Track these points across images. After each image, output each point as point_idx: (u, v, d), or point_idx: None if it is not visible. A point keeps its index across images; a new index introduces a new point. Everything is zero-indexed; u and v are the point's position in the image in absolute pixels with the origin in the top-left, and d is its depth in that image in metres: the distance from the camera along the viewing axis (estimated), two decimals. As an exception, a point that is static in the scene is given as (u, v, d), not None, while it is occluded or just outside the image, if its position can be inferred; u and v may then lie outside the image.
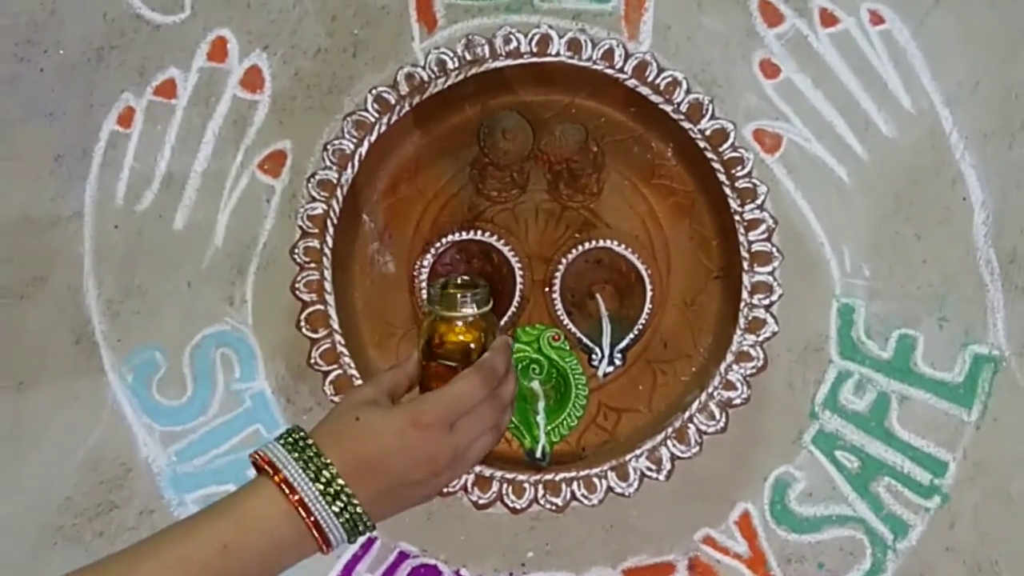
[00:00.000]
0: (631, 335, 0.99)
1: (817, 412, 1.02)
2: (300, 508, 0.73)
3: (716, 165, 0.97)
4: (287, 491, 0.73)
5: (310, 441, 0.75)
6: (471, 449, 0.80)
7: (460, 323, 0.83)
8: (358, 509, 0.74)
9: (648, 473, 0.95)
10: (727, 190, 0.97)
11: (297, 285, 0.97)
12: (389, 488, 0.76)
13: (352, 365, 0.97)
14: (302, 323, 0.97)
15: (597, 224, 1.02)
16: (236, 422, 1.04)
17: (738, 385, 0.96)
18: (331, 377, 0.97)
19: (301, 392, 1.03)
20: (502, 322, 0.98)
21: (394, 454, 0.76)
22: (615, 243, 0.99)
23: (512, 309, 0.99)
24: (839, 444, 1.02)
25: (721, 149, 0.97)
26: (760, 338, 0.96)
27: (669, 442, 0.95)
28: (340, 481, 0.74)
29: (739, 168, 0.97)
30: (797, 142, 1.03)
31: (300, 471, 0.73)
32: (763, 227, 0.97)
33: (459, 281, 0.86)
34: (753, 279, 0.96)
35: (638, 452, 0.95)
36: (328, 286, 0.97)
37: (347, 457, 0.75)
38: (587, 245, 0.99)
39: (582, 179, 0.99)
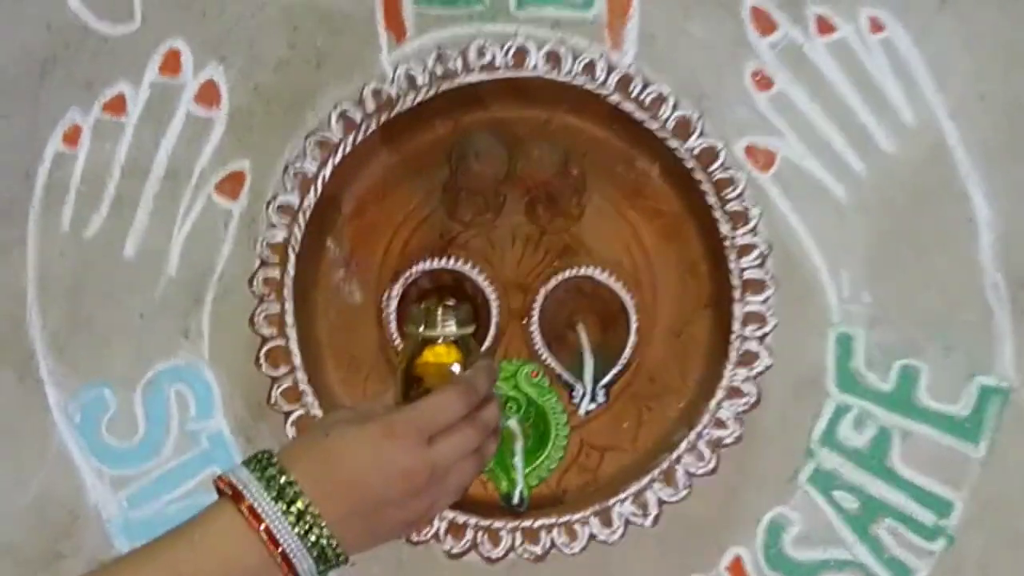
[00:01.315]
0: (615, 369, 1.00)
1: (814, 449, 1.02)
2: (263, 532, 0.72)
3: (705, 187, 0.99)
4: (247, 512, 0.73)
5: (274, 459, 0.75)
6: (451, 472, 0.80)
7: (441, 343, 0.85)
8: (325, 531, 0.73)
9: (633, 519, 0.96)
10: (717, 214, 0.98)
11: (256, 318, 0.98)
12: (363, 508, 0.76)
13: (316, 404, 0.98)
14: (261, 360, 0.98)
15: (578, 250, 1.03)
16: (192, 464, 1.04)
17: (729, 423, 0.97)
18: (293, 418, 0.98)
19: (262, 431, 1.04)
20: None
21: (366, 468, 0.76)
22: (597, 270, 1.00)
23: (487, 342, 1.00)
24: (837, 483, 1.02)
25: (710, 170, 0.99)
26: (753, 372, 0.97)
27: (656, 485, 0.96)
28: (304, 500, 0.73)
29: (730, 190, 0.99)
30: (791, 159, 1.04)
31: (261, 490, 0.73)
32: (756, 253, 0.98)
33: (443, 303, 0.87)
34: (745, 309, 0.98)
35: (622, 496, 0.96)
36: (289, 319, 0.98)
37: (314, 474, 0.75)
38: (567, 273, 1.00)
39: (561, 202, 1.01)
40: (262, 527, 0.72)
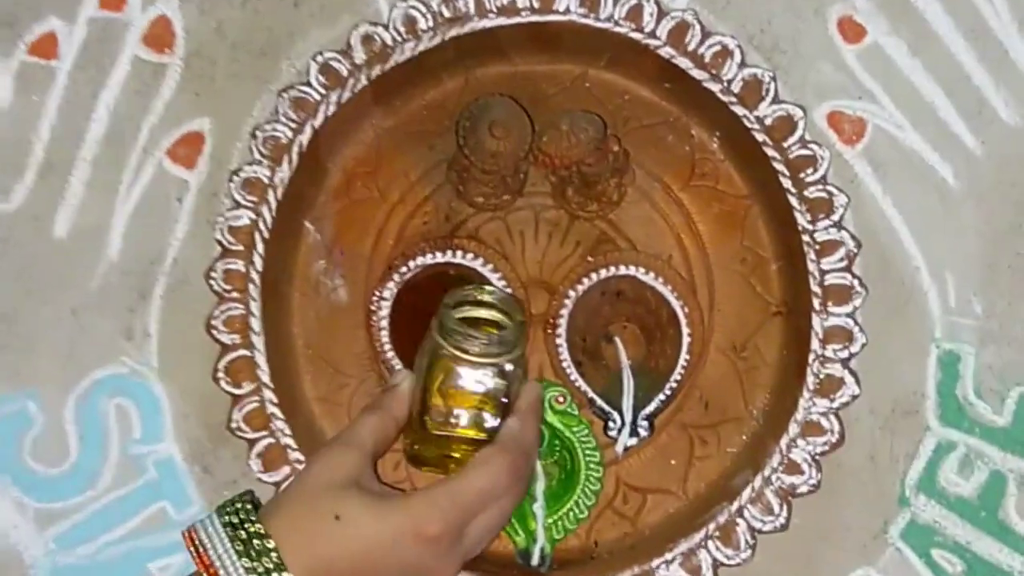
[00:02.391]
0: (662, 394, 0.91)
1: (908, 497, 0.93)
2: None
3: (779, 166, 0.91)
4: None
5: (270, 544, 0.72)
6: (474, 549, 0.79)
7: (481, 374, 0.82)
8: None
9: None
10: (793, 201, 0.91)
11: (214, 322, 0.91)
12: None
13: (287, 431, 0.90)
14: (220, 374, 0.90)
15: (618, 242, 0.95)
16: (135, 498, 0.95)
17: (805, 467, 0.89)
18: (258, 447, 0.90)
19: (222, 459, 0.95)
20: None
21: (390, 571, 0.74)
22: (641, 269, 0.92)
23: None
24: (938, 540, 0.93)
25: (786, 144, 0.91)
26: (835, 403, 0.89)
27: (711, 543, 0.88)
28: None
29: (809, 170, 0.91)
30: (887, 130, 0.96)
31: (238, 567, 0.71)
32: (841, 252, 0.91)
33: (483, 298, 0.84)
34: (826, 323, 0.90)
35: (668, 556, 0.88)
36: (256, 323, 0.91)
37: (320, 568, 0.73)
38: (604, 272, 0.92)
39: (597, 183, 0.92)
40: None
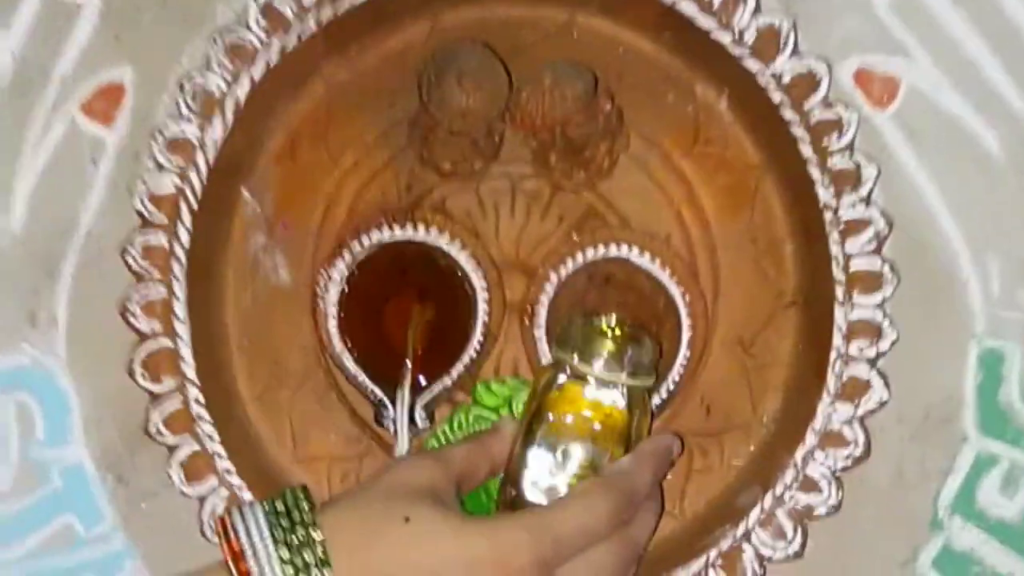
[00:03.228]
0: (656, 397, 0.86)
1: (942, 519, 0.89)
2: None
3: (797, 131, 0.86)
4: None
5: (317, 535, 0.67)
6: None
7: (604, 391, 0.76)
8: None
9: None
10: (814, 172, 0.85)
11: (130, 306, 0.86)
12: None
13: (215, 436, 0.86)
14: (136, 368, 0.86)
15: (607, 217, 0.91)
16: (37, 510, 0.91)
17: (823, 485, 0.85)
18: (180, 455, 0.85)
19: (141, 468, 0.89)
20: (455, 370, 0.86)
21: None
22: (634, 249, 0.87)
23: (471, 352, 0.88)
24: (975, 571, 0.89)
25: (806, 105, 0.86)
26: (860, 409, 0.85)
27: (712, 571, 0.85)
28: None
29: (834, 137, 0.86)
30: (922, 91, 0.91)
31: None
32: (869, 232, 0.86)
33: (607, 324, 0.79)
34: (851, 315, 0.85)
35: None
36: (180, 309, 0.86)
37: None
38: (591, 253, 0.88)
39: (585, 148, 0.88)
40: None
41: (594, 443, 0.76)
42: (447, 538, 0.68)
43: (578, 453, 0.75)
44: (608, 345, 0.76)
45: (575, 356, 0.76)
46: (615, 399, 0.76)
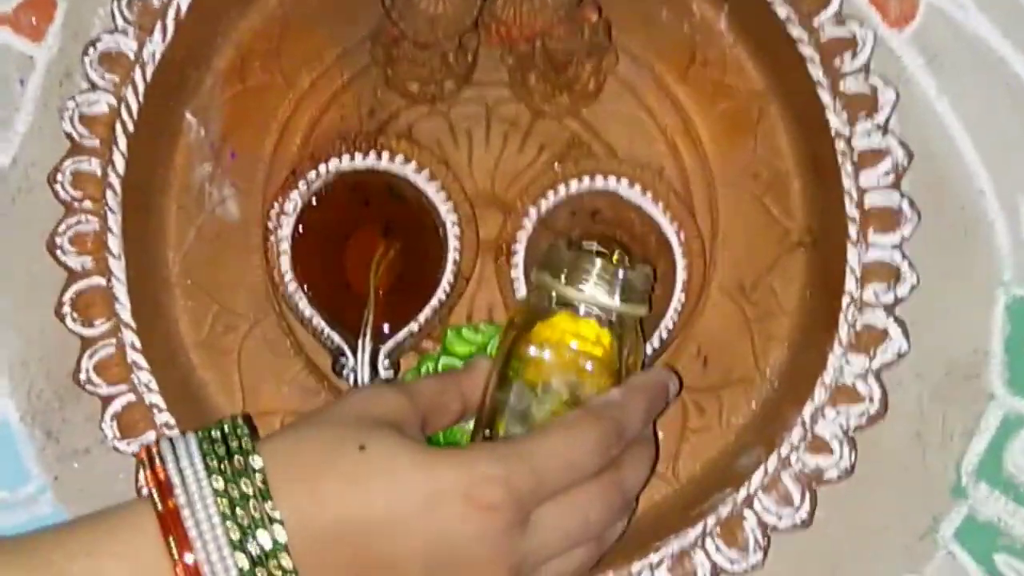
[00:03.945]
0: (648, 346, 0.82)
1: (966, 486, 0.87)
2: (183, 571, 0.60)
3: (806, 50, 0.82)
4: (175, 548, 0.60)
5: (256, 462, 0.62)
6: (542, 572, 0.67)
7: (584, 316, 0.73)
8: None
9: None
10: (824, 96, 0.82)
11: (58, 239, 0.82)
12: None
13: (152, 385, 0.80)
14: (65, 309, 0.81)
15: (593, 146, 0.88)
16: None
17: (834, 445, 0.80)
18: (114, 407, 0.80)
19: (72, 422, 0.85)
20: (423, 315, 0.82)
21: (413, 540, 0.63)
22: (623, 182, 0.84)
23: (440, 294, 0.84)
24: (1003, 542, 0.87)
25: (816, 21, 0.82)
26: (876, 362, 0.80)
27: (710, 542, 0.80)
28: (285, 562, 0.61)
29: (848, 57, 0.82)
30: (944, 9, 0.88)
31: (216, 519, 0.61)
32: (887, 163, 0.81)
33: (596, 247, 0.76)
34: (866, 257, 0.81)
35: (654, 559, 0.80)
36: (115, 243, 0.81)
37: (318, 519, 0.62)
38: (575, 185, 0.84)
39: (568, 67, 0.84)
40: (187, 560, 0.60)
41: (579, 380, 0.71)
42: (406, 468, 0.63)
43: (561, 392, 0.71)
44: (598, 266, 0.72)
45: (560, 279, 0.72)
46: (605, 328, 0.72)
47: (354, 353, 0.80)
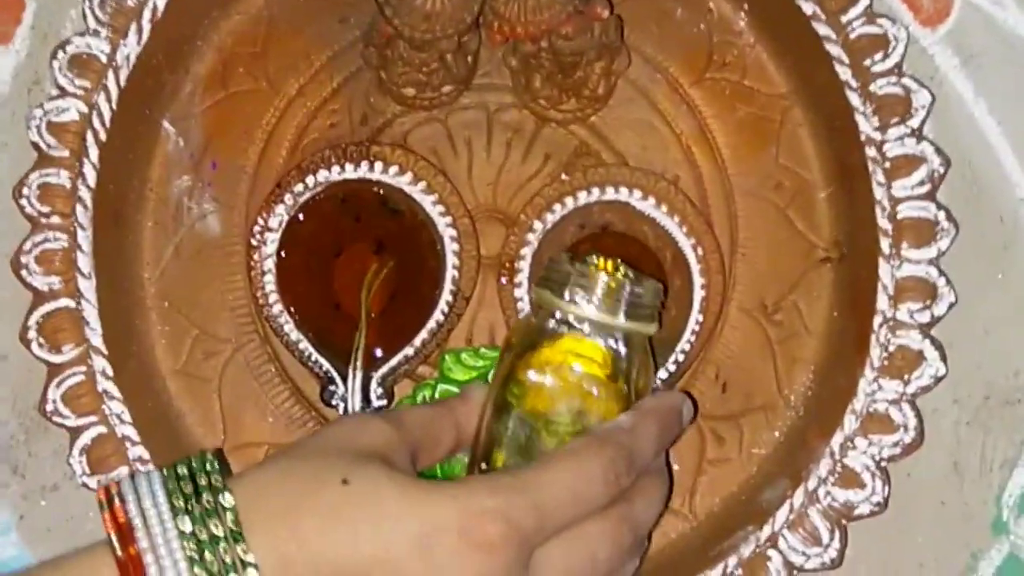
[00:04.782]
0: (662, 371, 0.80)
1: (1007, 521, 0.84)
2: None
3: (833, 49, 0.80)
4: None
5: (226, 501, 0.59)
6: None
7: (588, 338, 0.69)
8: None
9: None
10: (854, 98, 0.79)
11: (23, 259, 0.79)
12: None
13: (126, 416, 0.77)
14: (32, 333, 0.78)
15: (603, 155, 0.85)
16: None
17: (866, 478, 0.77)
18: (84, 439, 0.77)
19: (38, 457, 0.83)
20: (419, 338, 0.79)
21: None
22: (635, 193, 0.81)
23: (438, 316, 0.81)
24: None
25: (845, 18, 0.80)
26: (911, 387, 0.77)
27: None
28: None
29: (879, 57, 0.79)
30: (981, 7, 0.86)
31: (182, 565, 0.57)
32: (922, 172, 0.79)
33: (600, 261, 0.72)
34: (899, 272, 0.78)
35: None
36: (85, 262, 0.79)
37: (298, 561, 0.58)
38: (583, 196, 0.82)
39: (577, 70, 0.82)
40: None
41: (585, 406, 0.67)
42: (395, 502, 0.59)
43: (565, 420, 0.67)
44: (602, 281, 0.68)
45: (562, 296, 0.69)
46: (611, 348, 0.68)
47: (344, 380, 0.78)
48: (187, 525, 0.57)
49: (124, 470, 0.76)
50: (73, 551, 0.60)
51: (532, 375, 0.68)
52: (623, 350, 0.68)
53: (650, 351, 0.72)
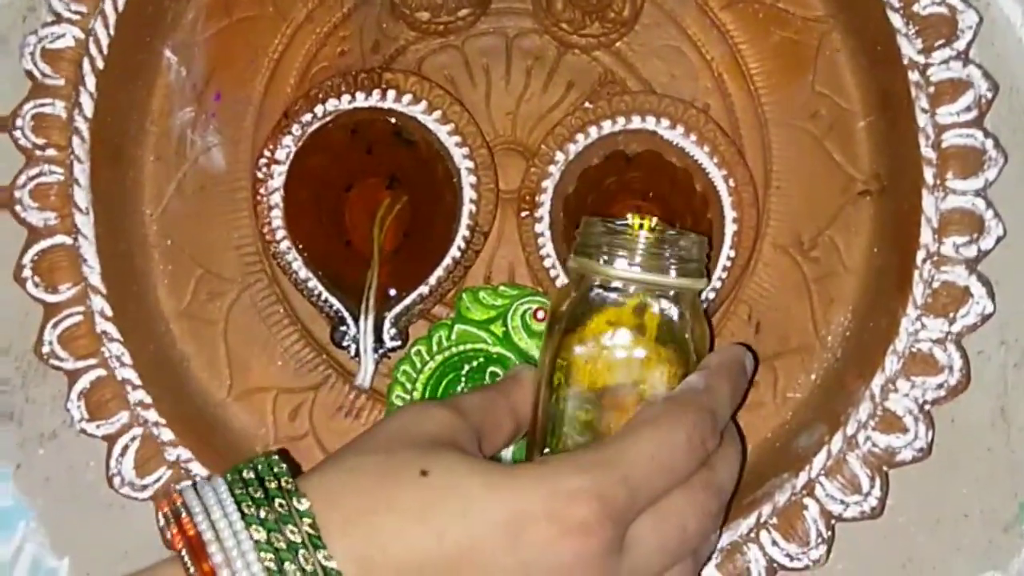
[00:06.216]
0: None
1: None
2: None
3: None
4: None
5: (301, 504, 0.57)
6: None
7: (632, 298, 0.67)
8: None
9: None
10: (896, 19, 0.76)
11: (18, 193, 0.77)
12: None
13: (126, 358, 0.75)
14: (26, 272, 0.77)
15: (628, 82, 0.82)
16: None
17: (909, 421, 0.74)
18: (82, 383, 0.75)
19: (36, 402, 0.81)
20: (434, 276, 0.77)
21: (496, 570, 0.57)
22: (663, 122, 0.78)
23: (454, 252, 0.79)
24: None
25: None
26: (957, 325, 0.75)
27: (765, 533, 0.74)
28: None
29: None
30: None
31: (253, 558, 0.55)
32: (968, 97, 0.76)
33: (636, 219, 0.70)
34: (944, 204, 0.75)
35: None
36: (82, 197, 0.77)
37: (383, 565, 0.56)
38: (608, 126, 0.78)
39: None
40: None
41: (644, 373, 0.65)
42: (479, 490, 0.57)
43: (626, 391, 0.65)
44: (644, 239, 0.66)
45: (601, 261, 0.66)
46: (662, 310, 0.66)
47: (356, 320, 0.76)
48: (262, 534, 0.55)
49: (124, 415, 0.74)
50: (138, 571, 0.58)
51: (584, 349, 0.66)
52: (675, 310, 0.66)
53: (702, 307, 0.70)
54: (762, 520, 0.74)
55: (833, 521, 0.74)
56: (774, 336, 0.80)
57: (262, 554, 0.54)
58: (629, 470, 0.59)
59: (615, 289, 0.66)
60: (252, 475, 0.58)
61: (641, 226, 0.68)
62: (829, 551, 0.74)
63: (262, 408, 0.76)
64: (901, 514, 0.78)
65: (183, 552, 0.55)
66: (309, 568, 0.54)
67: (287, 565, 0.54)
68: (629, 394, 0.65)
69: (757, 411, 0.80)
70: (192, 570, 0.54)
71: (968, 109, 0.75)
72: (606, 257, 0.66)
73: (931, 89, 0.75)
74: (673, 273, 0.66)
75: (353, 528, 0.56)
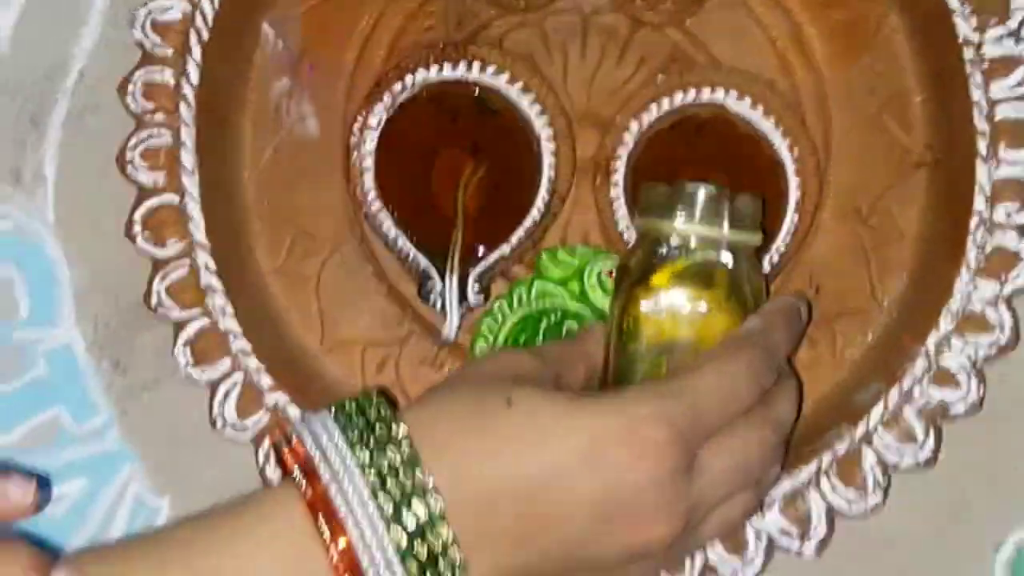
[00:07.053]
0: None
1: None
2: (339, 556, 0.57)
3: None
4: (327, 532, 0.58)
5: (399, 431, 0.60)
6: (713, 516, 0.64)
7: (710, 256, 0.69)
8: None
9: (784, 541, 0.76)
10: (952, 0, 0.78)
11: (130, 154, 0.79)
12: (546, 565, 0.61)
13: (228, 309, 0.78)
14: (136, 227, 0.79)
15: (697, 58, 0.85)
16: (19, 401, 0.84)
17: (962, 378, 0.76)
18: (188, 332, 0.78)
19: (140, 351, 0.83)
20: (515, 236, 0.80)
21: (576, 494, 0.60)
22: (731, 94, 0.81)
23: (534, 216, 0.81)
24: None
25: None
26: (1008, 287, 0.76)
27: (825, 481, 0.76)
28: (445, 532, 0.58)
29: None
30: None
31: (366, 494, 0.58)
32: (1020, 72, 0.78)
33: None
34: (997, 173, 0.77)
35: (765, 500, 0.76)
36: (188, 158, 0.79)
37: (474, 482, 0.60)
38: (678, 98, 0.81)
39: None
40: (343, 554, 0.57)
41: (706, 324, 0.68)
42: (559, 417, 0.60)
43: (687, 345, 0.68)
44: (702, 196, 0.68)
45: (663, 219, 0.69)
46: (722, 264, 0.68)
47: (442, 277, 0.78)
48: (365, 456, 0.59)
49: (227, 363, 0.76)
50: (245, 495, 0.62)
51: (649, 305, 0.68)
52: (733, 264, 0.69)
53: (758, 263, 0.73)
54: (822, 468, 0.75)
55: (890, 470, 0.76)
56: (833, 298, 0.82)
57: (368, 472, 0.57)
58: (694, 398, 0.62)
59: (677, 248, 0.68)
60: (353, 407, 0.61)
61: (698, 186, 0.70)
62: (886, 497, 0.75)
63: (351, 359, 0.79)
64: (954, 465, 0.78)
65: (296, 473, 0.59)
66: (408, 484, 0.57)
67: (389, 482, 0.57)
68: (691, 343, 0.67)
69: (816, 369, 0.81)
70: (305, 488, 0.57)
71: (1020, 84, 0.77)
72: (667, 215, 0.68)
73: (984, 65, 0.77)
74: (727, 227, 0.68)
75: (446, 450, 0.59)
